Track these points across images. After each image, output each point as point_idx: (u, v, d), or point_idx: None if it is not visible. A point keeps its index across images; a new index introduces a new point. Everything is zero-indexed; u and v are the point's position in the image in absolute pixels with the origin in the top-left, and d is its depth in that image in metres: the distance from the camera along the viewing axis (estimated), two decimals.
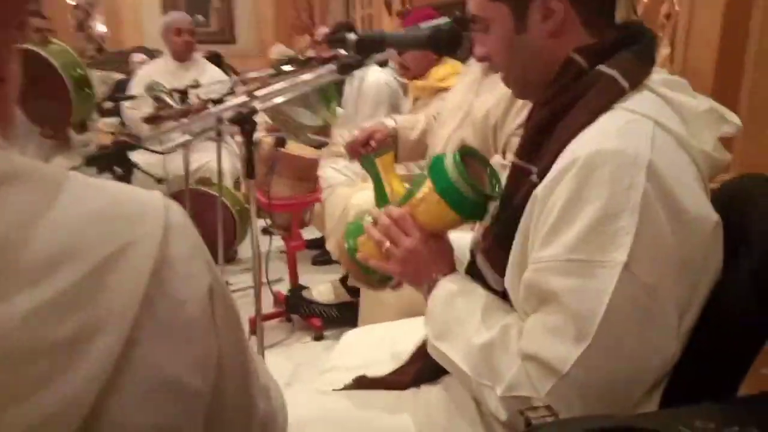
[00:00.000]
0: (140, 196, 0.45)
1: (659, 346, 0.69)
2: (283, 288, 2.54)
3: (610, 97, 0.74)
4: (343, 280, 2.31)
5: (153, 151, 1.38)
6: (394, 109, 2.77)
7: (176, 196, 2.71)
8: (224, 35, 6.68)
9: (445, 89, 2.20)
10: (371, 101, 2.71)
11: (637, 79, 0.75)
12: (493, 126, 1.55)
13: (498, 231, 0.83)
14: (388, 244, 0.91)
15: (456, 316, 0.83)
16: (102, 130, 4.23)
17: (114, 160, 1.17)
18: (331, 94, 2.64)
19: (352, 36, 1.09)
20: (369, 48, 1.07)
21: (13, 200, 0.38)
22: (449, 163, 0.87)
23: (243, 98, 1.18)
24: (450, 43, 1.06)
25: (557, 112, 0.78)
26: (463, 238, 1.05)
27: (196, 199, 2.65)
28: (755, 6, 1.49)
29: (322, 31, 3.71)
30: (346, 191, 2.38)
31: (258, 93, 1.17)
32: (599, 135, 0.71)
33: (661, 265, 0.67)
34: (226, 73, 3.88)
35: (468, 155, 0.91)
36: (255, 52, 6.62)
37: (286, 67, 2.32)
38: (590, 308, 0.66)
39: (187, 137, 1.49)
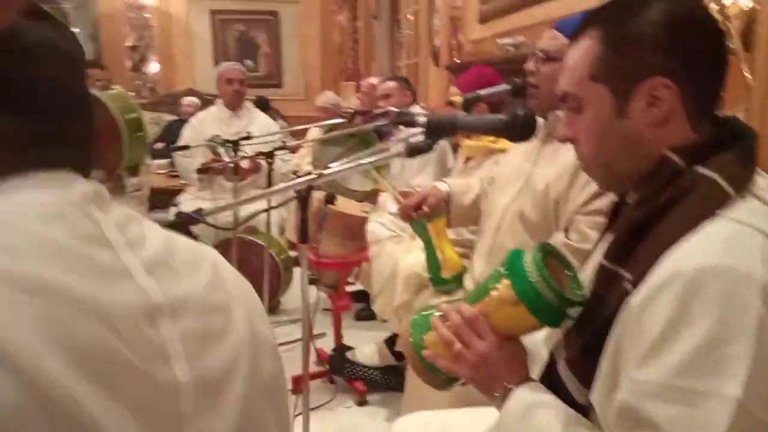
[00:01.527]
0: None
1: None
2: (325, 344, 2.50)
3: (714, 203, 0.69)
4: (389, 342, 2.26)
5: (218, 228, 1.38)
6: (442, 167, 2.75)
7: (224, 244, 2.74)
8: (271, 80, 6.85)
9: (499, 151, 2.17)
10: (419, 159, 2.69)
11: (742, 185, 0.70)
12: (554, 200, 1.50)
13: (585, 341, 0.78)
14: (458, 345, 0.86)
15: (535, 431, 0.77)
16: (153, 172, 4.37)
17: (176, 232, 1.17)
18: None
19: (421, 118, 1.07)
20: (440, 131, 1.05)
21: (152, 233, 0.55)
22: (529, 262, 0.81)
23: (309, 177, 1.18)
24: (524, 132, 1.03)
25: (652, 214, 0.73)
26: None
27: (243, 247, 2.67)
28: None
29: (370, 81, 3.75)
30: (394, 250, 2.34)
31: (325, 172, 1.16)
32: (704, 247, 0.66)
33: None
34: (273, 117, 3.96)
35: (547, 253, 0.86)
36: (300, 97, 6.77)
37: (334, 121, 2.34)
38: None
39: (245, 210, 1.49)
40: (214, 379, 0.49)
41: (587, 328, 0.78)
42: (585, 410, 0.79)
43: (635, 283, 0.70)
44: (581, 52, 0.80)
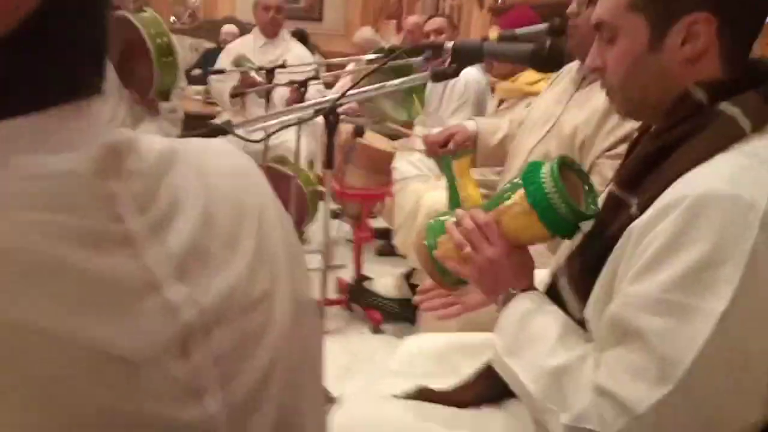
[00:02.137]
0: None
1: (741, 409, 0.66)
2: (345, 275, 2.57)
3: (729, 137, 0.70)
4: (407, 276, 2.31)
5: (246, 140, 1.42)
6: (480, 107, 2.72)
7: None
8: (312, 13, 6.74)
9: (533, 94, 2.14)
10: (458, 97, 2.67)
11: (761, 122, 0.71)
12: (579, 144, 1.49)
13: (587, 259, 0.81)
14: (468, 248, 0.89)
15: (531, 334, 0.81)
16: (189, 97, 4.41)
17: None
18: (417, 87, 2.62)
19: (448, 44, 1.07)
20: (466, 57, 1.05)
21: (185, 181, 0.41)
22: (546, 173, 0.82)
23: (336, 95, 1.19)
24: (551, 62, 1.02)
25: (668, 146, 0.74)
26: (540, 273, 1.03)
27: (271, 176, 2.72)
28: None
29: (412, 20, 3.68)
30: (418, 187, 2.37)
31: (351, 92, 1.18)
32: (712, 175, 0.67)
33: (761, 324, 0.64)
34: (311, 51, 3.92)
35: (566, 166, 0.86)
36: (340, 32, 6.66)
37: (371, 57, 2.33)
38: (678, 353, 0.64)
39: (272, 124, 1.52)
40: (249, 398, 0.40)
41: (589, 249, 0.81)
42: (582, 326, 0.82)
43: (641, 209, 0.72)
44: None
